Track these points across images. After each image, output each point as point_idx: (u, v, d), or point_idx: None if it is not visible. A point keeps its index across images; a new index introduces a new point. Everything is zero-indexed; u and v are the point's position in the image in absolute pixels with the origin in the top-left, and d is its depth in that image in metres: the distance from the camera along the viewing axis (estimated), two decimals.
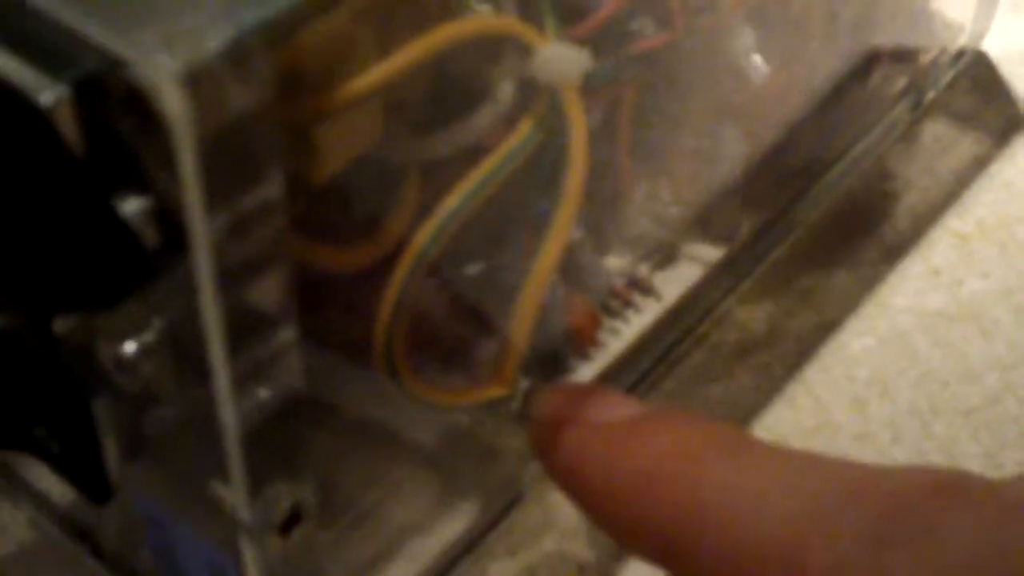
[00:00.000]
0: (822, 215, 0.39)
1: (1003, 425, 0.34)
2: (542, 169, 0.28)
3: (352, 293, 0.27)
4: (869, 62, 0.40)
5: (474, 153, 0.28)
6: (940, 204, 0.40)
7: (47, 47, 0.18)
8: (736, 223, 0.36)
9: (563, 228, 0.28)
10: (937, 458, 0.33)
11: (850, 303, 0.37)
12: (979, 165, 0.41)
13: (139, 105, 0.18)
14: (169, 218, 0.20)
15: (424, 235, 0.26)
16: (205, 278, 0.20)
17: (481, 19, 0.26)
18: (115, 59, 0.18)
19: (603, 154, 0.33)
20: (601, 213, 0.34)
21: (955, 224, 0.39)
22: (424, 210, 0.27)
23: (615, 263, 0.34)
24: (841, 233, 0.39)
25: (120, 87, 0.18)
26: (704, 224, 0.36)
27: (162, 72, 0.17)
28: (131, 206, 0.20)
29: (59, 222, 0.20)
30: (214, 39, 0.18)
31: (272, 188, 0.20)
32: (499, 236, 0.30)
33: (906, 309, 0.37)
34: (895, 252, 0.38)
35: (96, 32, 0.18)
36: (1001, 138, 0.42)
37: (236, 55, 0.18)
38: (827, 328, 0.36)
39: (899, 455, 0.33)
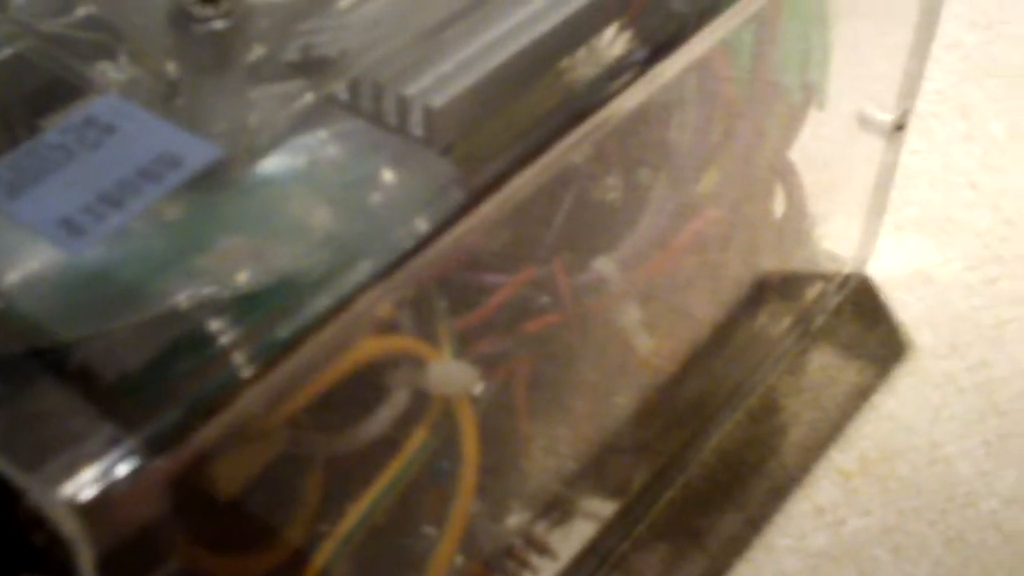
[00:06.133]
0: (713, 453, 0.41)
1: None
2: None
3: None
4: (757, 300, 0.43)
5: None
6: (825, 438, 0.42)
7: None
8: (629, 474, 0.38)
9: (459, 519, 0.30)
10: None
11: (739, 545, 0.38)
12: (862, 396, 0.43)
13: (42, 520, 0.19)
14: None
15: (322, 557, 0.27)
16: None
17: (381, 341, 0.28)
18: (16, 487, 0.19)
19: (502, 419, 0.34)
20: (500, 477, 0.35)
21: (839, 459, 0.41)
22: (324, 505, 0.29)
23: (513, 521, 0.36)
24: (731, 472, 0.40)
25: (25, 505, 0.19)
26: (598, 478, 0.37)
27: (59, 504, 0.19)
28: None
29: None
30: (113, 465, 0.19)
31: (170, 567, 0.21)
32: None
33: (791, 550, 0.39)
34: (782, 491, 0.40)
35: None
36: (883, 367, 0.44)
37: (134, 479, 0.19)
38: (716, 574, 0.38)
39: None
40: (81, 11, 0.29)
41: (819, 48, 0.35)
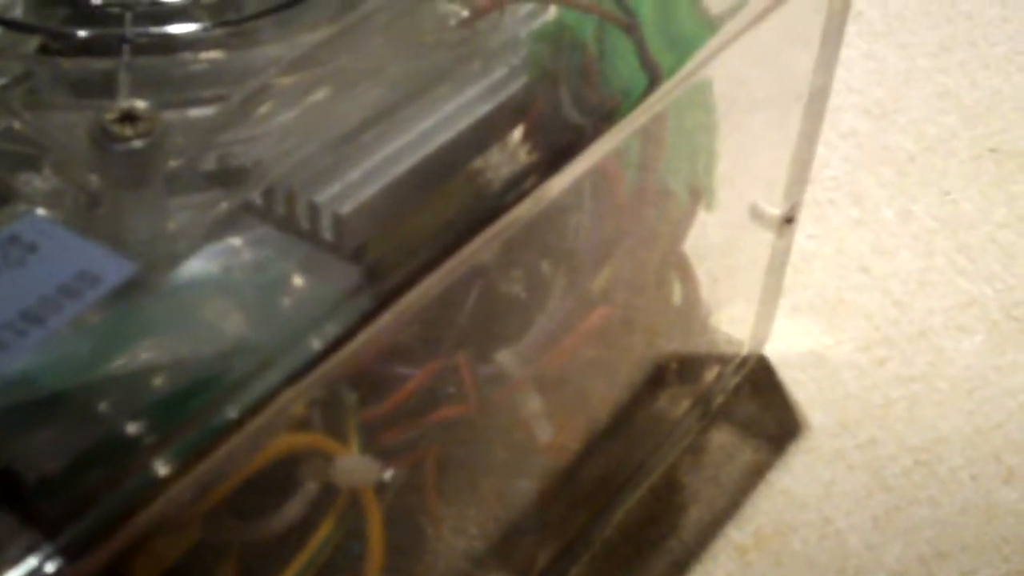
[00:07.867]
0: (617, 529, 0.42)
1: None
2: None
3: None
4: (658, 383, 0.45)
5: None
6: (722, 515, 0.44)
7: None
8: (534, 553, 0.39)
9: None
10: None
11: None
12: (758, 473, 0.45)
13: None
14: None
15: None
16: None
17: (291, 439, 0.29)
18: None
19: (411, 503, 0.36)
20: (410, 557, 0.37)
21: (736, 535, 0.43)
22: None
23: None
24: (634, 547, 0.42)
25: None
26: (504, 557, 0.39)
27: None
28: None
29: None
30: (36, 570, 0.21)
31: None
32: None
33: None
34: (680, 566, 0.42)
35: None
36: (778, 445, 0.46)
37: None
38: None
39: None
40: (3, 124, 0.30)
41: (705, 155, 0.38)
